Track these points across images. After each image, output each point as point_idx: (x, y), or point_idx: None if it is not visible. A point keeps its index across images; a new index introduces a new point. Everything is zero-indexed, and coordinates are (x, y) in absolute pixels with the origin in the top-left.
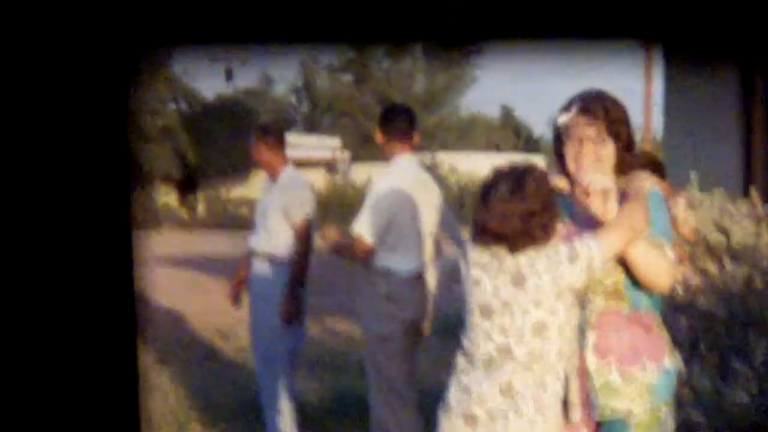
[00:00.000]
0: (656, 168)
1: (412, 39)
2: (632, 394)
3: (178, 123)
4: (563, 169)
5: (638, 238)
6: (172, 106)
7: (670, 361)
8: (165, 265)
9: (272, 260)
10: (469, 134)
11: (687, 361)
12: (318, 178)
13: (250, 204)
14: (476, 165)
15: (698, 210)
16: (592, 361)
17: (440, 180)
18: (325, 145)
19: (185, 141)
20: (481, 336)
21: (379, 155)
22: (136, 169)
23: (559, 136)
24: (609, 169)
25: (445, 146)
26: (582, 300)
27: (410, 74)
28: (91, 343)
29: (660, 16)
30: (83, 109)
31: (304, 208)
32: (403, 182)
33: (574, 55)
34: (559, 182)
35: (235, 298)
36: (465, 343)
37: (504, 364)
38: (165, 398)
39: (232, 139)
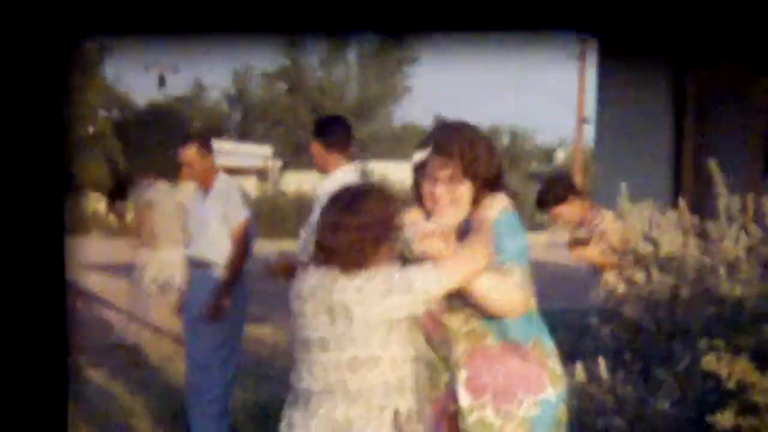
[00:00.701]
0: (568, 187)
1: (347, 30)
2: (509, 431)
3: (109, 130)
4: (422, 205)
5: (479, 270)
6: (104, 113)
7: (552, 389)
8: (94, 272)
9: (213, 267)
10: (402, 144)
11: (611, 369)
12: (249, 186)
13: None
14: (409, 175)
15: (627, 220)
16: (464, 398)
17: None
18: (256, 153)
19: (116, 148)
20: (305, 370)
21: (312, 164)
22: (68, 175)
23: (417, 173)
24: (465, 207)
25: (378, 156)
26: (448, 339)
27: (344, 84)
28: (21, 347)
29: (594, 24)
30: (15, 113)
31: (242, 212)
32: None
33: (508, 64)
34: (413, 214)
35: (182, 309)
36: (292, 377)
37: (327, 400)
38: (91, 404)
39: (163, 146)
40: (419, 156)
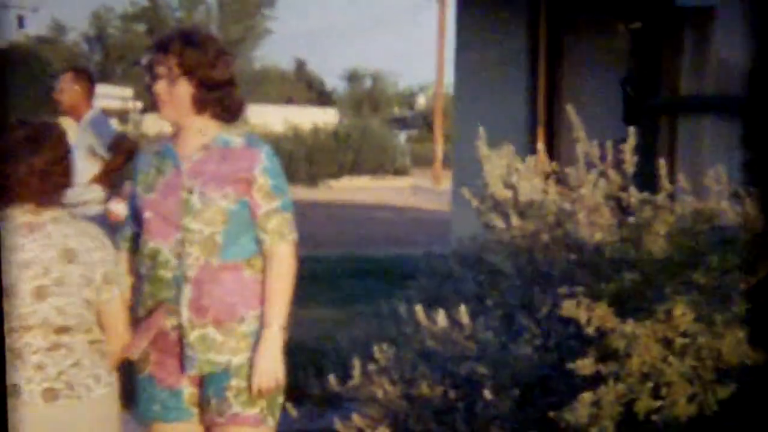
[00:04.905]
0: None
1: None
2: (232, 346)
3: None
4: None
5: None
6: None
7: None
8: None
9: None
10: (263, 87)
11: (473, 315)
12: None
13: None
14: (269, 118)
15: (486, 165)
16: (186, 315)
17: None
18: (117, 95)
19: None
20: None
21: None
22: None
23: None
24: (185, 107)
25: None
26: (179, 252)
27: (204, 25)
28: None
29: None
30: None
31: (106, 134)
32: None
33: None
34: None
35: None
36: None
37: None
38: None
39: (24, 87)
40: (145, 57)
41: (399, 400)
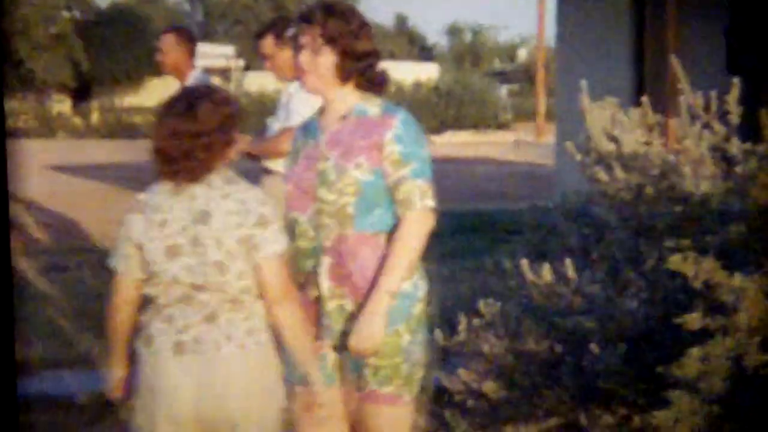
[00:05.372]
0: None
1: None
2: None
3: (71, 30)
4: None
5: None
6: (66, 13)
7: (409, 282)
8: (59, 173)
9: None
10: None
11: (579, 269)
12: None
13: (144, 112)
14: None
15: (589, 118)
16: (325, 285)
17: None
18: (219, 54)
19: (79, 49)
20: (171, 277)
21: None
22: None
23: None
24: (329, 77)
25: None
26: (316, 223)
27: None
28: None
29: None
30: None
31: None
32: None
33: None
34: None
35: None
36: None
37: (200, 299)
38: (53, 305)
39: (126, 47)
40: (291, 30)
41: (505, 355)
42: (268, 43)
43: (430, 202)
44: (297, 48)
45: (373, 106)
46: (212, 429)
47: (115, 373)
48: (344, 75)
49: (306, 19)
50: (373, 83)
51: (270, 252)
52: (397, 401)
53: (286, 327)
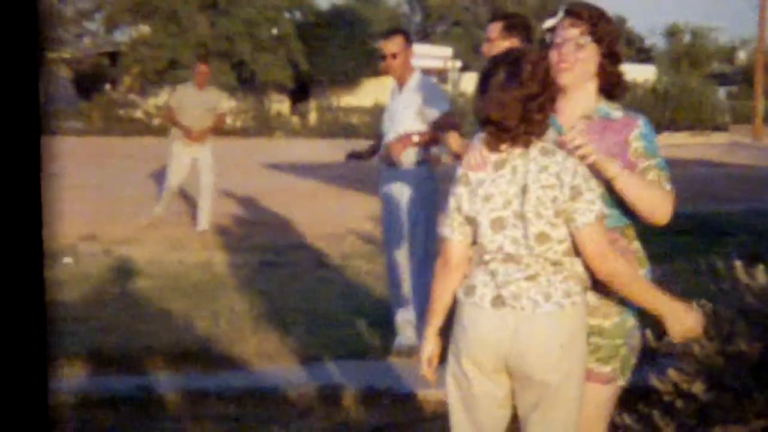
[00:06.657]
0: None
1: None
2: (605, 310)
3: (292, 31)
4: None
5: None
6: (287, 15)
7: (641, 270)
8: (276, 172)
9: (404, 163)
10: None
11: None
12: None
13: (360, 112)
14: None
15: None
16: None
17: None
18: (436, 55)
19: (299, 50)
20: (496, 246)
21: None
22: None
23: (545, 42)
24: (587, 74)
25: None
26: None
27: None
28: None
29: None
30: None
31: (439, 105)
32: None
33: None
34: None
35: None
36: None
37: (525, 262)
38: (272, 301)
39: (344, 48)
40: (550, 22)
41: (716, 356)
42: (496, 27)
43: (673, 190)
44: (556, 40)
45: (614, 109)
46: (520, 381)
47: (427, 348)
48: (601, 75)
49: (576, 14)
50: (620, 88)
51: (582, 223)
52: (611, 382)
53: (616, 275)
